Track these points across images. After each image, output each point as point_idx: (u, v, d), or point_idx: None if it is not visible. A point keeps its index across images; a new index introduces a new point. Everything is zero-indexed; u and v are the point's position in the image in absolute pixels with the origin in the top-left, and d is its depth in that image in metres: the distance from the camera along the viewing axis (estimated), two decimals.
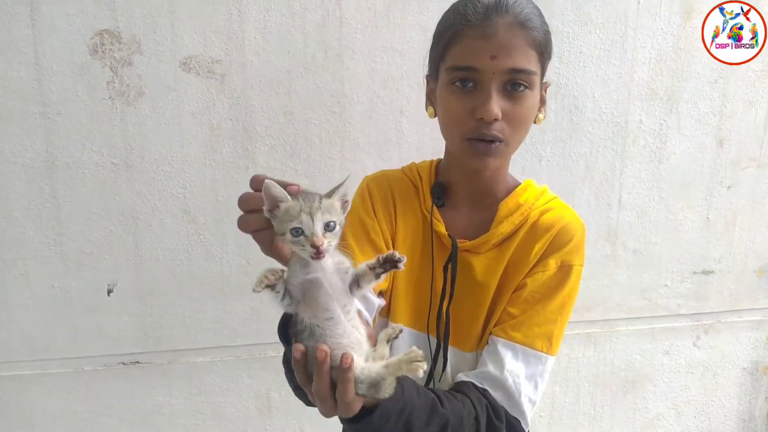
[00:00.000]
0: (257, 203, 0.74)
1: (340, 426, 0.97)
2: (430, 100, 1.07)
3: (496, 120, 0.93)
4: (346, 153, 1.63)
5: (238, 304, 1.68)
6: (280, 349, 0.88)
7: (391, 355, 0.83)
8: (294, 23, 1.54)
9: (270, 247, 0.77)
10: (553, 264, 1.02)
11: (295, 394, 0.90)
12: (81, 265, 1.61)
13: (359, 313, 0.84)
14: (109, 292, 1.63)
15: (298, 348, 0.75)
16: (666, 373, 2.02)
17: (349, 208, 0.78)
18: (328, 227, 0.72)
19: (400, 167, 1.18)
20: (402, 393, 0.85)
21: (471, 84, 0.95)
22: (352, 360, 0.73)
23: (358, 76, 1.59)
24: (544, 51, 0.96)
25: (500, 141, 0.96)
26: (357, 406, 0.78)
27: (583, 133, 1.74)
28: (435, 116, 1.05)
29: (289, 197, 0.72)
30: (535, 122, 1.02)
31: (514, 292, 1.04)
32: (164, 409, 1.75)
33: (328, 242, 0.71)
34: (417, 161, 1.17)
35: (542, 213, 1.05)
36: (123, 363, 1.70)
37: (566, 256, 1.02)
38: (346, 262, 0.79)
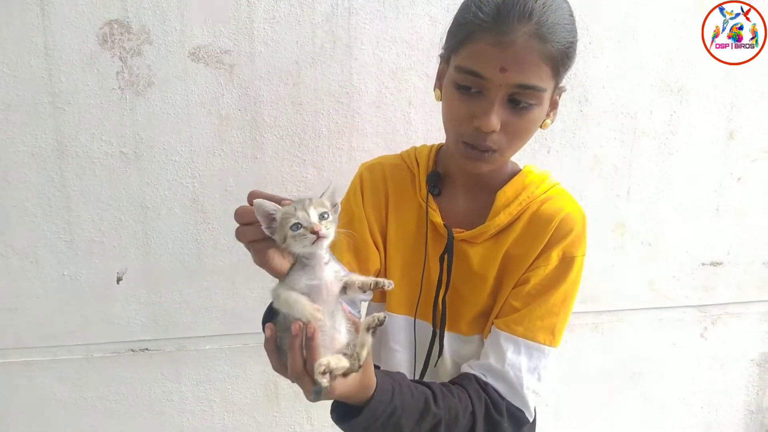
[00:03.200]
0: (253, 216, 0.78)
1: None
2: (440, 81, 1.03)
3: (493, 131, 0.91)
4: (354, 143, 1.63)
5: (246, 292, 1.69)
6: None
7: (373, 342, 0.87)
8: (303, 13, 1.54)
9: (263, 259, 0.81)
10: (555, 257, 1.01)
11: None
12: (91, 253, 1.62)
13: (343, 306, 0.86)
14: (119, 280, 1.65)
15: (269, 326, 0.81)
16: (673, 364, 2.02)
17: (339, 211, 0.83)
18: (322, 217, 0.78)
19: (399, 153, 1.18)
20: (392, 397, 0.87)
21: (476, 89, 0.91)
22: (315, 329, 0.77)
23: (367, 67, 1.59)
24: (561, 65, 0.91)
25: (494, 151, 0.95)
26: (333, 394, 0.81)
27: (592, 125, 1.73)
28: (441, 99, 1.02)
29: (279, 207, 0.78)
30: (541, 127, 0.99)
31: (516, 286, 1.03)
32: (173, 396, 1.77)
33: (326, 227, 0.77)
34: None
35: (542, 203, 1.03)
36: (132, 350, 1.72)
37: (568, 247, 1.01)
38: (342, 271, 0.85)
